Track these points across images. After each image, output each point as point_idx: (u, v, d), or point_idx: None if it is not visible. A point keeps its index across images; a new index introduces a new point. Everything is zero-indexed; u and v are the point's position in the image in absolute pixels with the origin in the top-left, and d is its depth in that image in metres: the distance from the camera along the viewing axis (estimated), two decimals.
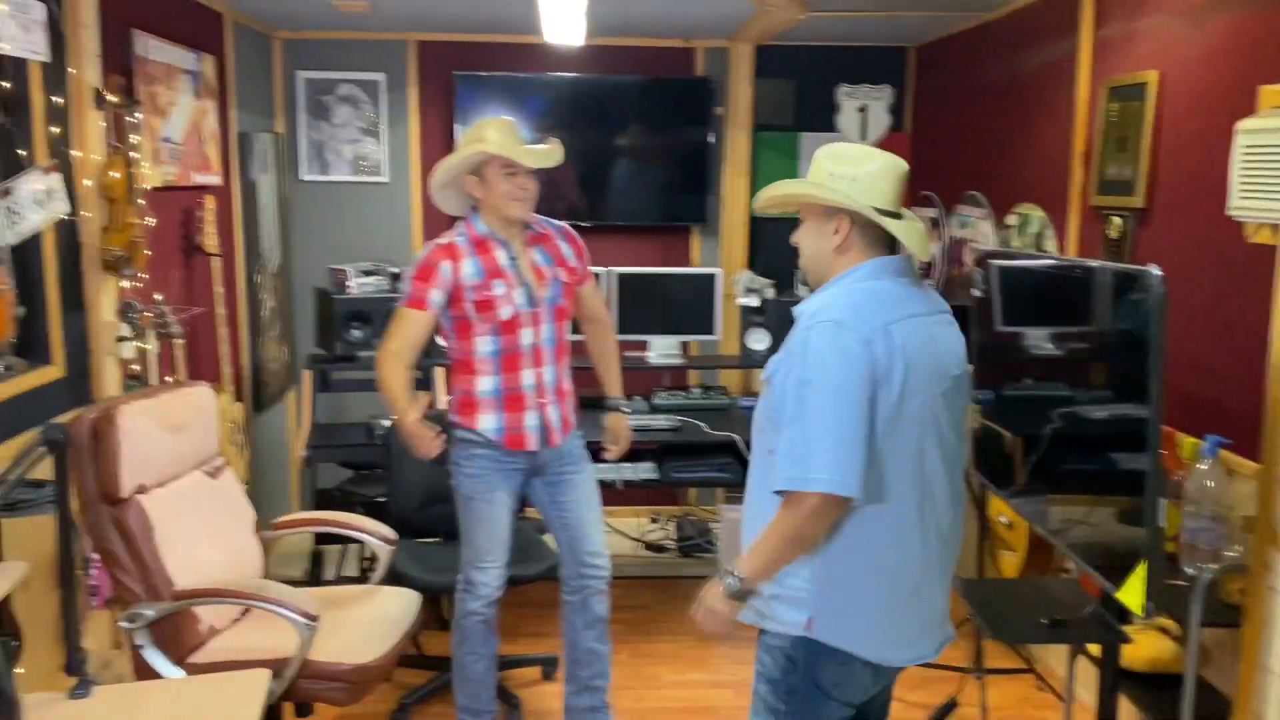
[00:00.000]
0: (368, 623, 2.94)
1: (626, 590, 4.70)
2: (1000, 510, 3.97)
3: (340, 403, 5.30)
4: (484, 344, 3.07)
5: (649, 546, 5.20)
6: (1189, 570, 2.65)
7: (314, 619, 2.61)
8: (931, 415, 2.03)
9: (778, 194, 2.14)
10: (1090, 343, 2.76)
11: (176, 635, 2.70)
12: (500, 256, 3.06)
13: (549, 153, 3.08)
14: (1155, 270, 2.18)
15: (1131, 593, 2.23)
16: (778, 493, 1.97)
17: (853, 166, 2.03)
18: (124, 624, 2.62)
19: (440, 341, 3.22)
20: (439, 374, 4.66)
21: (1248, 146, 2.63)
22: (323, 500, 4.49)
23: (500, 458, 3.11)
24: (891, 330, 1.98)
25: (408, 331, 3.04)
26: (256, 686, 2.34)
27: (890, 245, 2.08)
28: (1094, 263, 2.71)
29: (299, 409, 5.12)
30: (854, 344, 1.95)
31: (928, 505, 2.05)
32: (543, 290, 3.10)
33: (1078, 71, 3.71)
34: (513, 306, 3.04)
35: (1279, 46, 2.72)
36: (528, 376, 3.10)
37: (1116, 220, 3.42)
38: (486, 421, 3.09)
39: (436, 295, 3.02)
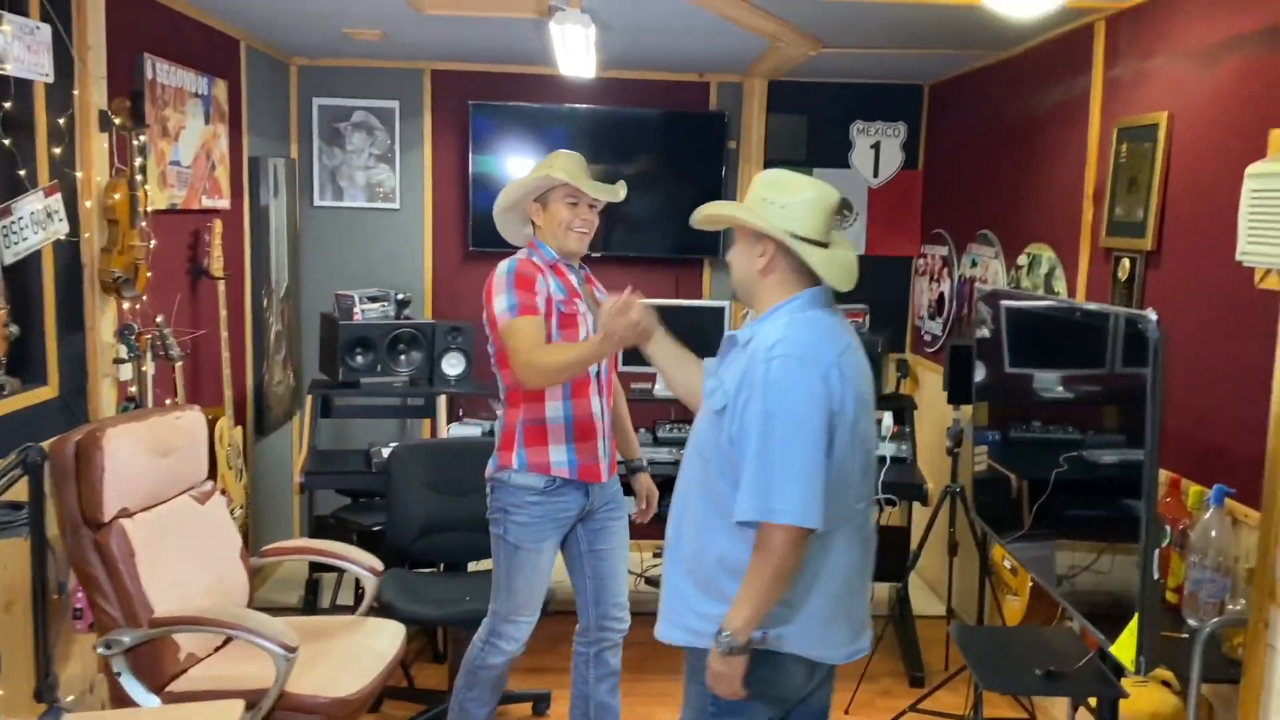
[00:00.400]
0: (350, 655, 2.90)
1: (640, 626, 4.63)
2: (1004, 554, 3.89)
3: (344, 429, 5.29)
4: None
5: (649, 581, 5.13)
6: (1191, 622, 2.58)
7: (292, 650, 2.57)
8: (867, 435, 2.20)
9: (710, 213, 2.25)
10: (1094, 386, 2.71)
11: (155, 663, 2.67)
12: (572, 280, 3.01)
13: (613, 189, 3.04)
14: (1151, 315, 2.12)
15: (1125, 647, 2.15)
16: (742, 524, 2.06)
17: (784, 194, 2.13)
18: (101, 650, 2.59)
19: (495, 372, 3.05)
20: (442, 403, 4.64)
21: (1256, 191, 2.57)
22: (318, 527, 4.45)
23: (555, 505, 2.99)
24: (842, 364, 2.10)
25: (534, 334, 2.83)
26: (229, 717, 2.30)
27: (811, 276, 2.18)
28: (1092, 305, 2.66)
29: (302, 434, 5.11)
30: (815, 379, 2.04)
31: (862, 518, 2.22)
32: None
33: (1089, 111, 3.67)
34: (587, 328, 2.97)
35: None
36: (595, 404, 3.02)
37: (1126, 262, 3.36)
38: (558, 455, 2.96)
39: (540, 303, 2.89)
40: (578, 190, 2.96)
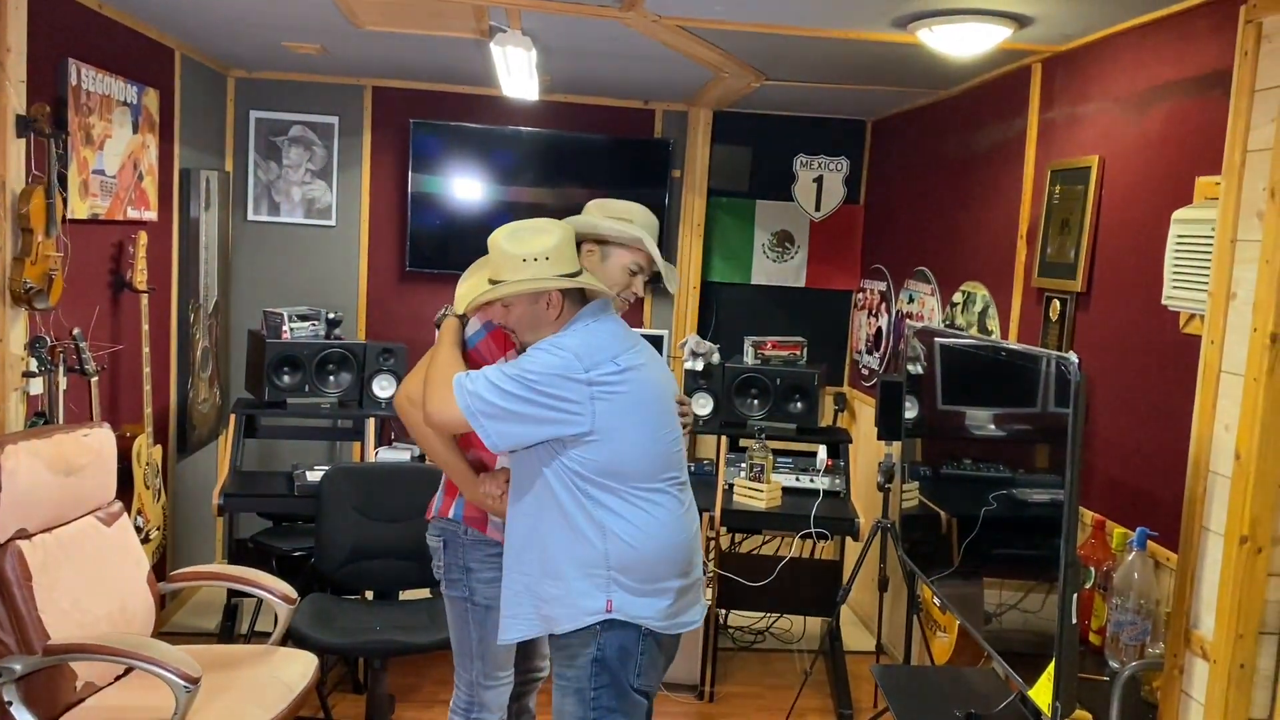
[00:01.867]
0: (257, 686, 2.79)
1: None
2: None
3: (270, 450, 5.17)
4: None
5: None
6: (1112, 665, 2.57)
7: (194, 681, 2.46)
8: (671, 417, 2.45)
9: (488, 299, 2.40)
10: (1022, 425, 2.71)
11: (49, 693, 2.55)
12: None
13: (674, 275, 2.73)
14: (1073, 357, 2.12)
15: (1042, 691, 2.14)
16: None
17: (535, 245, 2.35)
18: None
19: None
20: (371, 426, 4.54)
21: (1181, 236, 2.60)
22: (237, 551, 4.33)
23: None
24: (627, 356, 2.36)
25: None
26: None
27: (581, 294, 2.44)
28: (1017, 346, 2.66)
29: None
30: (579, 369, 2.30)
31: (677, 490, 2.43)
32: None
33: (1025, 152, 3.71)
34: None
35: (1217, 138, 2.71)
36: None
37: (1056, 303, 3.38)
38: (475, 509, 2.70)
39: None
40: (647, 262, 2.63)
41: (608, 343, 2.36)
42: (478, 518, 2.71)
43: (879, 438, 3.95)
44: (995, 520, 2.76)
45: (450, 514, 2.73)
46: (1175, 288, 2.61)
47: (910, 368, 3.35)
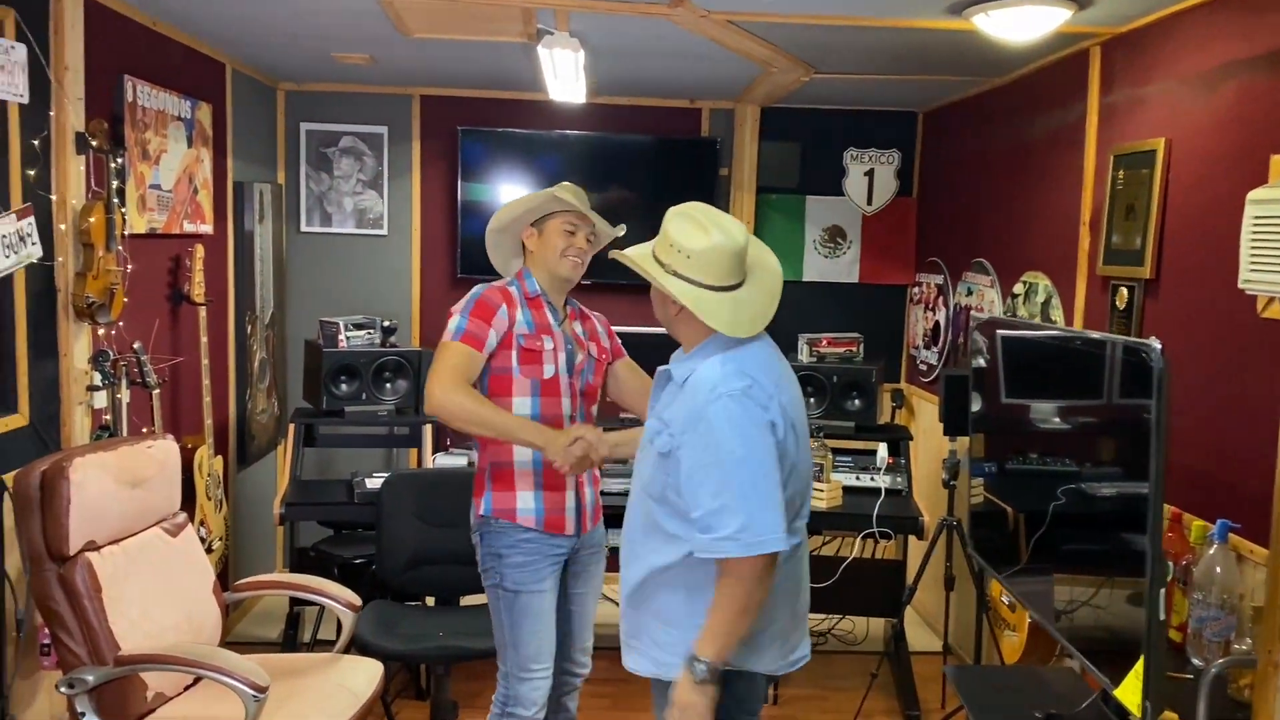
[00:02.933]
0: (324, 694, 2.79)
1: (613, 662, 4.50)
2: (1001, 589, 3.80)
3: (328, 458, 5.20)
4: (522, 405, 2.82)
5: None
6: (1196, 662, 2.49)
7: (262, 690, 2.47)
8: (804, 460, 2.24)
9: (624, 261, 2.26)
10: (1093, 417, 2.63)
11: (120, 703, 2.57)
12: (549, 316, 2.89)
13: (613, 227, 2.95)
14: (1155, 343, 2.05)
15: (1130, 690, 2.06)
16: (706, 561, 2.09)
17: (690, 241, 2.13)
18: (63, 690, 2.48)
19: None
20: (428, 433, 4.55)
21: (1258, 217, 2.50)
22: (299, 560, 4.35)
23: (548, 542, 2.84)
24: (780, 395, 2.15)
25: (460, 366, 2.72)
26: None
27: None
28: (1094, 334, 2.58)
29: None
30: (759, 411, 2.08)
31: (801, 535, 2.28)
32: (580, 361, 2.92)
33: (1085, 138, 3.62)
34: (555, 366, 2.85)
35: None
36: None
37: (1124, 291, 3.29)
38: (525, 502, 2.83)
39: (492, 337, 2.79)
40: (579, 218, 2.88)
41: (764, 378, 2.14)
42: (506, 510, 2.82)
43: (945, 433, 3.87)
44: (1067, 515, 2.68)
45: (481, 511, 2.85)
46: (1253, 270, 2.52)
47: (975, 361, 3.27)
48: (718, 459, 2.04)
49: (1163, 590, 2.00)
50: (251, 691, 2.46)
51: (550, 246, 2.88)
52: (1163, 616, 2.02)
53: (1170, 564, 2.71)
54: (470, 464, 4.30)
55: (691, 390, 2.11)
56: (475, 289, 2.88)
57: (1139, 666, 2.03)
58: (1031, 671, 3.14)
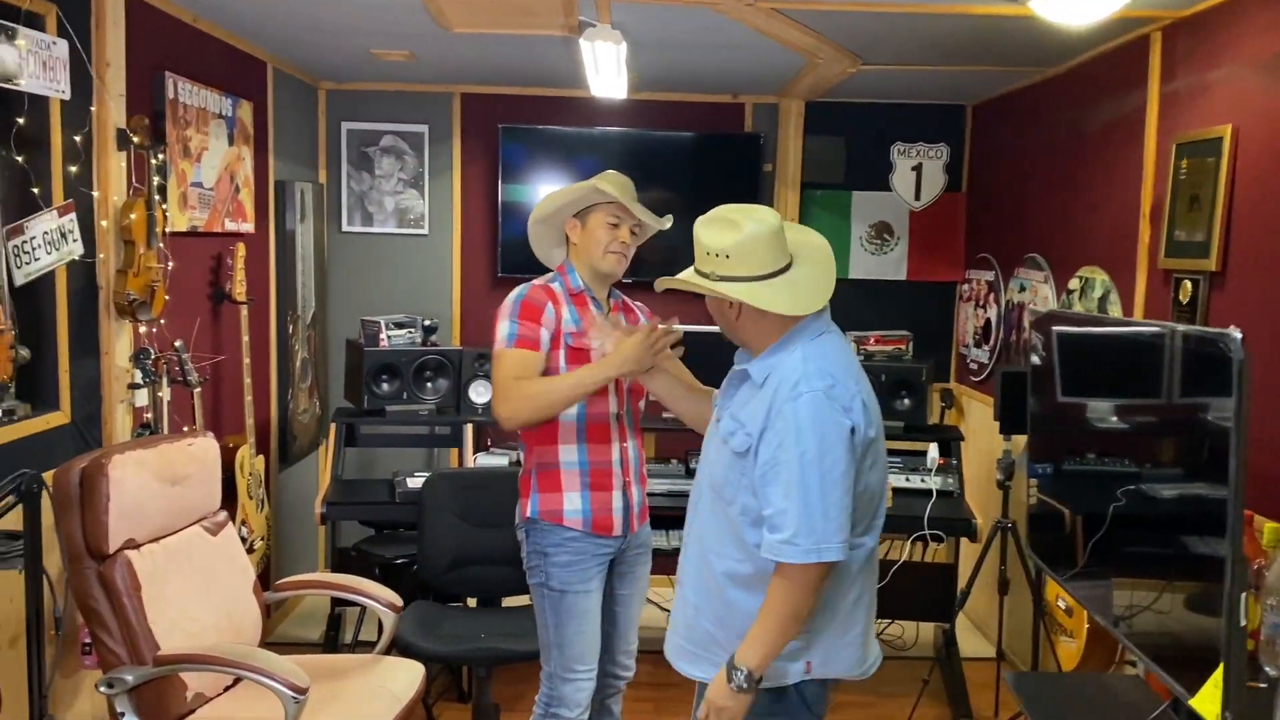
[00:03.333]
0: (365, 697, 2.74)
1: (657, 667, 4.43)
2: (1058, 593, 3.68)
3: (369, 458, 5.17)
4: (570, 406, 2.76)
5: None
6: (1270, 671, 2.37)
7: (302, 692, 2.42)
8: (883, 453, 2.18)
9: (670, 285, 2.22)
10: (1161, 414, 2.51)
11: (160, 703, 2.53)
12: (594, 312, 2.82)
13: (659, 218, 2.86)
14: (1235, 333, 1.94)
15: (1207, 700, 1.96)
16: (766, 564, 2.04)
17: (722, 240, 2.09)
18: (103, 689, 2.45)
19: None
20: (469, 432, 4.50)
21: None
22: (340, 560, 4.32)
23: (595, 541, 2.78)
24: (861, 391, 2.10)
25: (519, 374, 2.66)
26: None
27: None
28: (1167, 325, 2.47)
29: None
30: (841, 413, 2.03)
31: (878, 534, 2.21)
32: None
33: (1145, 127, 3.49)
34: None
35: None
36: (615, 451, 2.83)
37: (1187, 284, 3.17)
38: (572, 503, 2.76)
39: (544, 336, 2.73)
40: (623, 210, 2.80)
41: (844, 377, 2.09)
42: (553, 511, 2.76)
43: (1001, 432, 3.76)
44: (1130, 517, 2.57)
45: (528, 513, 2.80)
46: None
47: (1033, 358, 3.17)
48: (792, 457, 1.99)
49: (1244, 596, 1.89)
50: (291, 693, 2.41)
51: (593, 240, 2.81)
52: (1244, 622, 1.91)
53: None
54: (512, 463, 4.25)
55: (772, 388, 2.06)
56: (518, 290, 2.81)
57: (1217, 675, 1.93)
58: (1095, 679, 3.03)
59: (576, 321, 2.79)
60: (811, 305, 2.11)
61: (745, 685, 2.02)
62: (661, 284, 2.23)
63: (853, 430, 2.03)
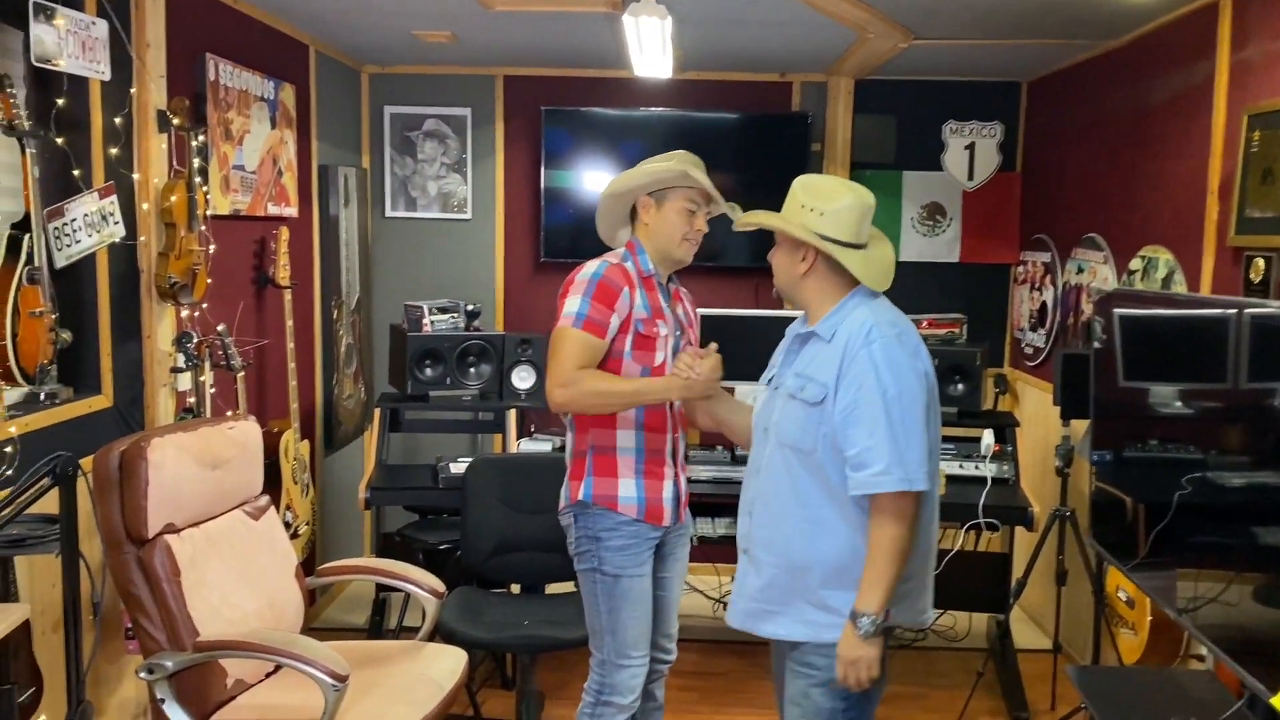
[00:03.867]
0: (406, 684, 2.70)
1: (702, 655, 4.38)
2: (1119, 584, 3.56)
3: (413, 443, 5.15)
4: None
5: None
6: None
7: (342, 679, 2.38)
8: (938, 413, 2.29)
9: (754, 220, 2.36)
10: (1230, 399, 2.39)
11: (200, 689, 2.50)
12: (661, 299, 2.76)
13: (733, 208, 2.77)
14: None
15: None
16: (863, 498, 2.14)
17: (822, 201, 2.24)
18: (143, 675, 2.43)
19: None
20: (512, 418, 4.45)
21: None
22: (384, 545, 4.30)
23: (645, 526, 2.72)
24: (920, 343, 2.27)
25: (581, 357, 2.58)
26: None
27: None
28: (1237, 303, 2.34)
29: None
30: (912, 356, 2.20)
31: (938, 486, 2.30)
32: (683, 346, 2.77)
33: (1213, 99, 3.34)
34: (665, 354, 2.71)
35: None
36: (668, 439, 2.77)
37: (1260, 262, 3.02)
38: (627, 490, 2.70)
39: (614, 323, 2.63)
40: (701, 197, 2.71)
41: (905, 325, 2.27)
42: (607, 496, 2.70)
43: (1062, 417, 3.64)
44: (1195, 506, 2.46)
45: (580, 496, 2.72)
46: None
47: (1094, 341, 3.05)
48: (874, 397, 2.12)
49: None
50: (331, 681, 2.37)
51: (669, 224, 2.72)
52: None
53: None
54: (556, 449, 4.19)
55: (842, 340, 2.19)
56: (595, 266, 2.68)
57: None
58: (1161, 673, 2.91)
59: (647, 308, 2.70)
60: (883, 284, 2.27)
61: (873, 630, 2.11)
62: (752, 219, 2.34)
63: (925, 373, 2.20)
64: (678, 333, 2.78)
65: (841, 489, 2.16)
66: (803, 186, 2.28)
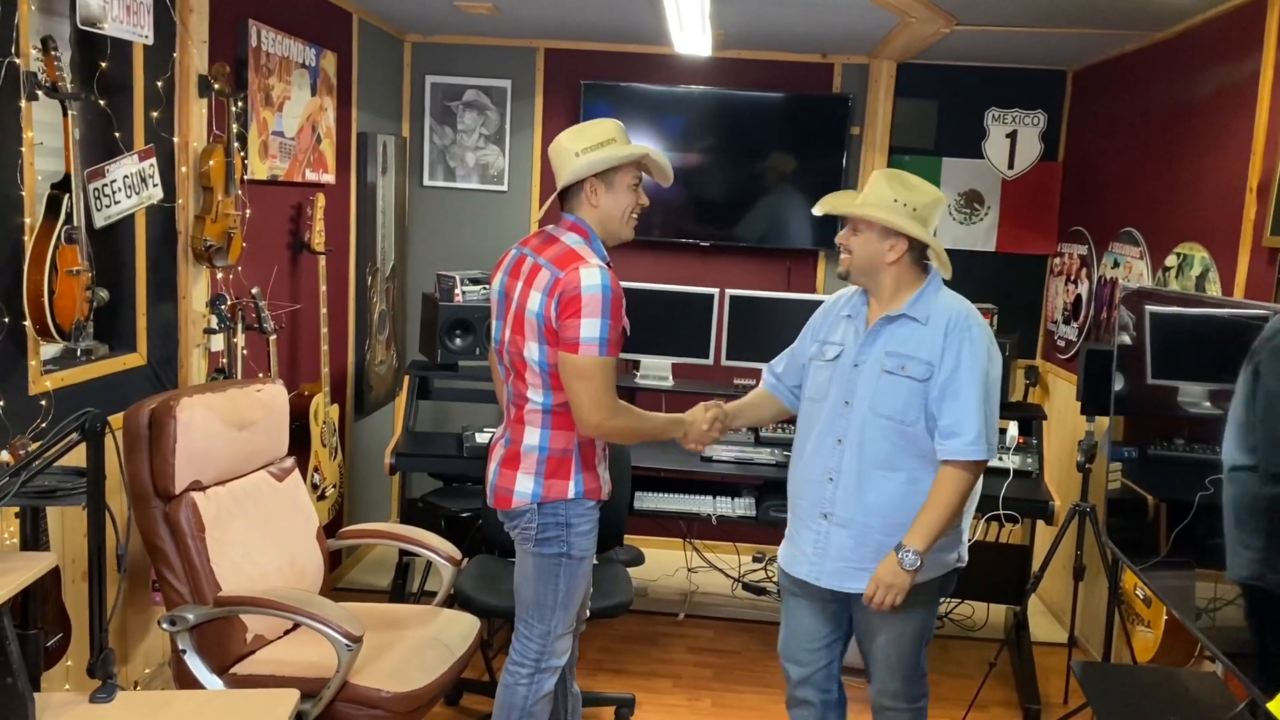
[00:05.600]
0: (419, 647, 2.76)
1: (718, 633, 4.43)
2: (1137, 581, 3.54)
3: (443, 411, 5.22)
4: None
5: (747, 587, 4.90)
6: None
7: (355, 640, 2.44)
8: None
9: (848, 211, 2.52)
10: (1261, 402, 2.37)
11: (220, 643, 2.58)
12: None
13: (668, 166, 2.72)
14: None
15: None
16: (950, 463, 2.45)
17: (915, 197, 2.47)
18: (165, 626, 2.51)
19: (532, 395, 2.63)
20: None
21: None
22: (408, 511, 4.37)
23: (598, 506, 2.76)
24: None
25: (613, 380, 2.55)
26: (282, 707, 2.18)
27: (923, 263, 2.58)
28: (1270, 307, 2.32)
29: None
30: (994, 342, 2.52)
31: None
32: None
33: (1257, 96, 3.28)
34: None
35: None
36: None
37: None
38: (602, 480, 2.73)
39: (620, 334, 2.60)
40: (644, 170, 2.65)
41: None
42: (592, 489, 2.70)
43: (1084, 413, 3.61)
44: (1218, 507, 2.44)
45: (570, 494, 2.66)
46: None
47: (1120, 337, 3.02)
48: (974, 376, 2.43)
49: None
50: (345, 640, 2.43)
51: (620, 205, 2.61)
52: None
53: None
54: None
55: (940, 322, 2.46)
56: (602, 280, 2.49)
57: None
58: (1169, 674, 2.90)
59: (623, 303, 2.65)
60: (949, 272, 2.54)
61: (913, 564, 2.41)
62: (864, 212, 2.46)
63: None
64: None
65: (932, 454, 2.46)
66: (890, 180, 2.48)
